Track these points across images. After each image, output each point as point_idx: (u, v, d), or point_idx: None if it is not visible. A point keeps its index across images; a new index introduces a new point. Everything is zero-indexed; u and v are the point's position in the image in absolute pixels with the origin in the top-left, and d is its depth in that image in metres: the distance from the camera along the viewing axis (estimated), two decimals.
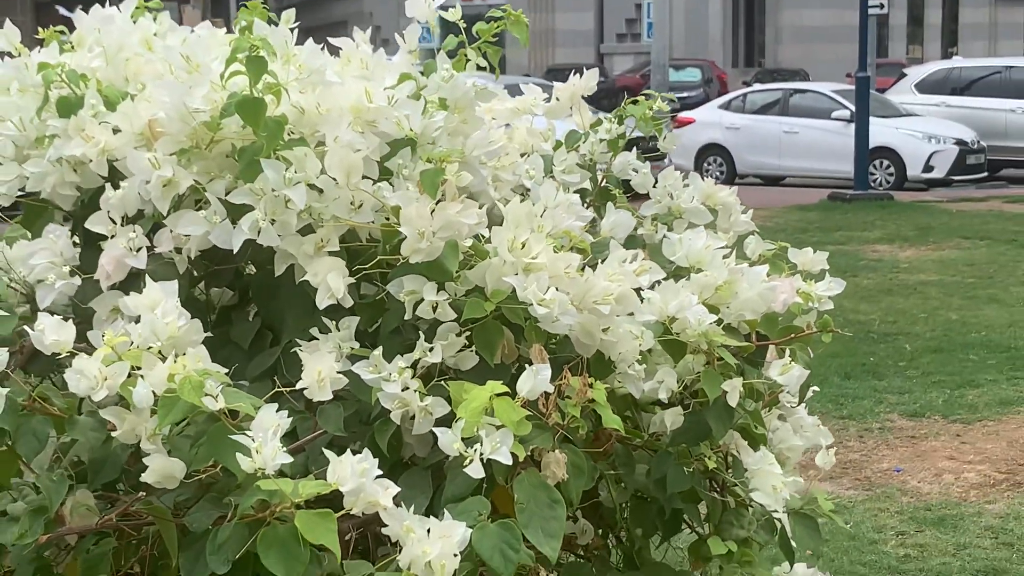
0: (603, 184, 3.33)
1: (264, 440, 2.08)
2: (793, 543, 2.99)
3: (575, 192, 3.25)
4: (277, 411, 2.24)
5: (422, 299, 2.43)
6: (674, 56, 44.22)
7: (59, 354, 2.28)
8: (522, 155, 3.22)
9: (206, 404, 2.10)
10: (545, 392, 2.44)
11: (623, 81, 42.61)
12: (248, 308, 2.71)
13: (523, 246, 2.43)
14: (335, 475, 2.10)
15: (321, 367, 2.31)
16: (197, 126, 2.50)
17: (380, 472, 2.18)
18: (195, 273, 2.66)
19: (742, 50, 48.99)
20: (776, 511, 2.78)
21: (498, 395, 2.29)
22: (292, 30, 2.65)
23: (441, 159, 2.41)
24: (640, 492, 2.91)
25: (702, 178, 3.34)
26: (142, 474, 2.25)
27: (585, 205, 3.35)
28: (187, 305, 2.59)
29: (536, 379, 2.32)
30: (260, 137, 2.43)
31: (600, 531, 3.07)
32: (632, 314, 2.67)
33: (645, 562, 3.00)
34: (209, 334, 2.45)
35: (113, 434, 2.25)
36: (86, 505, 2.40)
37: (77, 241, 2.61)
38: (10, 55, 2.82)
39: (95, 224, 2.52)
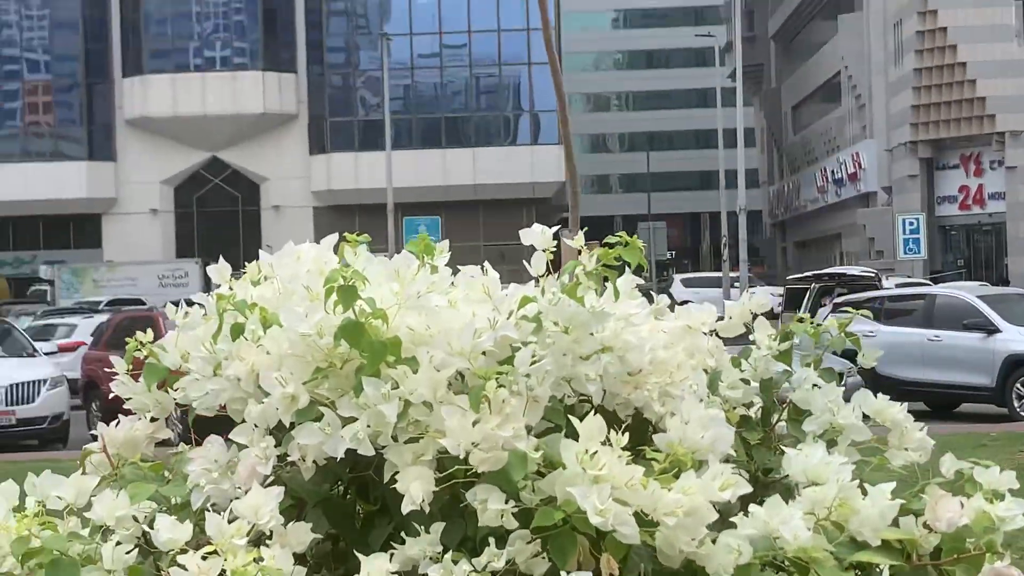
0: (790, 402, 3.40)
1: None
2: None
3: (745, 406, 3.35)
4: None
5: None
6: None
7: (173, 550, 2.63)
8: (706, 371, 3.37)
9: None
10: None
11: None
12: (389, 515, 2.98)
13: (592, 458, 2.59)
14: None
15: (371, 569, 2.55)
16: (328, 348, 2.84)
17: None
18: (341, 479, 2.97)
19: None
20: None
21: None
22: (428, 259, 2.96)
23: (486, 375, 2.63)
24: None
25: None
26: None
27: (776, 421, 3.44)
28: (332, 507, 2.91)
29: None
30: (362, 357, 2.74)
31: None
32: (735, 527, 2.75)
33: None
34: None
35: None
36: None
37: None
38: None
39: (238, 435, 2.89)
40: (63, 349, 26.22)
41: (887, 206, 52.20)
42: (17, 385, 18.89)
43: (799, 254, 70.10)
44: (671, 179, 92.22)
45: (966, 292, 22.04)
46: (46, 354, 22.11)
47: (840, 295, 26.18)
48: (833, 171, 61.09)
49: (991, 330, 19.92)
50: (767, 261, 77.43)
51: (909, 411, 3.40)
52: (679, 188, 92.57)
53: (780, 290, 34.40)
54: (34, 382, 19.09)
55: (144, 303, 37.65)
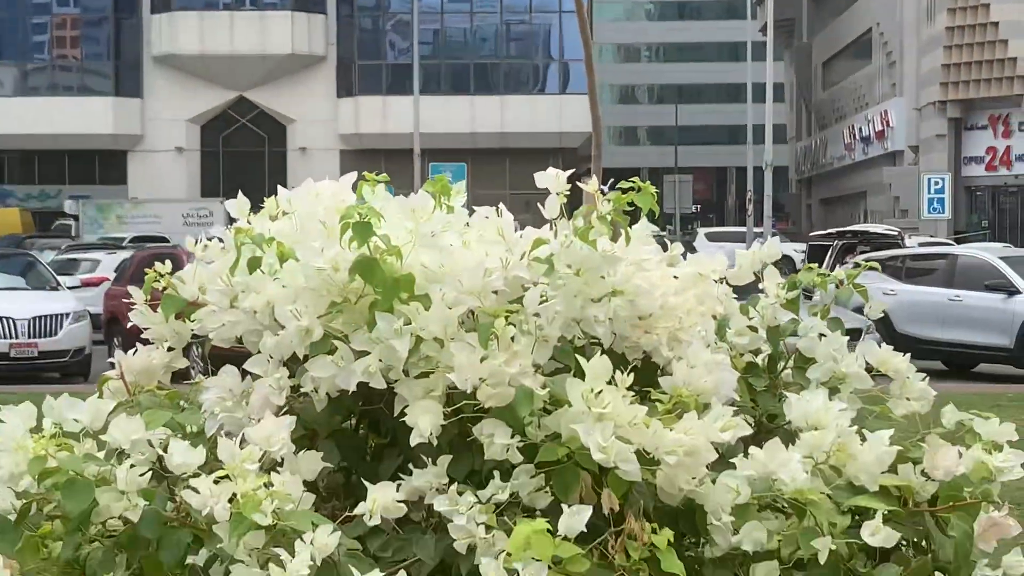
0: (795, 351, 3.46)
1: (299, 553, 2.41)
2: None
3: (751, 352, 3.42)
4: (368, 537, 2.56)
5: None
6: None
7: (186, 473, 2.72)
8: (714, 318, 3.43)
9: (257, 520, 2.46)
10: (615, 534, 2.64)
11: None
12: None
13: (597, 397, 2.65)
14: None
15: (378, 496, 2.63)
16: (342, 283, 2.90)
17: None
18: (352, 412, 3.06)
19: None
20: None
21: (541, 532, 2.51)
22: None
23: (494, 314, 2.69)
24: None
25: None
26: None
27: (782, 368, 3.49)
28: (343, 438, 3.00)
29: (573, 519, 2.53)
30: (376, 293, 2.80)
31: None
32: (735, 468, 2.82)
33: None
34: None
35: (219, 545, 2.65)
36: None
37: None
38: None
39: (252, 366, 2.96)
40: (86, 284, 26.37)
41: (913, 165, 52.01)
42: (40, 318, 19.08)
43: (824, 211, 70.02)
44: (699, 133, 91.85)
45: (988, 253, 22.02)
46: (69, 288, 22.25)
47: (862, 253, 26.15)
48: (861, 129, 60.94)
49: (1012, 291, 19.92)
50: (792, 217, 77.29)
51: (927, 370, 3.45)
52: (706, 142, 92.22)
53: (803, 246, 34.39)
54: (57, 315, 19.27)
55: (168, 241, 37.74)
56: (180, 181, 58.24)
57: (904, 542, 3.10)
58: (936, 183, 41.99)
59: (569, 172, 3.06)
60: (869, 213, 58.09)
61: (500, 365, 2.64)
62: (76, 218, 52.14)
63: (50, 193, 59.44)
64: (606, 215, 2.98)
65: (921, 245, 29.21)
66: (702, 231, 55.89)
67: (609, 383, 2.70)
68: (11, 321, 18.87)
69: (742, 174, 58.79)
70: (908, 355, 3.37)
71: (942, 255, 22.69)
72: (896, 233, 31.16)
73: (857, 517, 2.95)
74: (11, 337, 18.86)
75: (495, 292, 2.91)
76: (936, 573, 3.06)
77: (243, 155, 59.18)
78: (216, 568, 2.82)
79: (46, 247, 36.01)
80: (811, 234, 37.22)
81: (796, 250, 34.49)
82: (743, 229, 50.69)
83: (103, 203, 53.36)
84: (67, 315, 19.38)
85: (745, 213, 49.95)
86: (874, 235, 30.52)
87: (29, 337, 18.91)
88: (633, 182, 3.04)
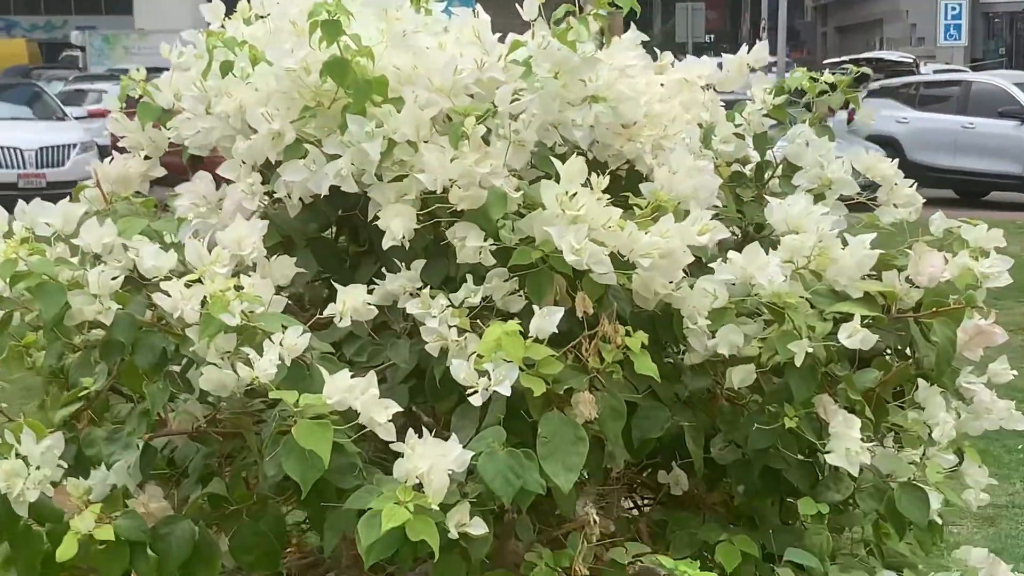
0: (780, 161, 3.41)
1: (267, 352, 2.40)
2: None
3: (736, 161, 3.36)
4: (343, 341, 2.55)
5: None
6: None
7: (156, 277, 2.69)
8: (700, 125, 3.37)
9: (225, 320, 2.43)
10: (588, 337, 2.62)
11: None
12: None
13: (571, 199, 2.61)
14: (327, 391, 2.39)
15: (347, 297, 2.60)
16: (315, 85, 2.84)
17: (394, 404, 2.47)
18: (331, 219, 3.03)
19: None
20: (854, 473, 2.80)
21: (512, 334, 2.49)
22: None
23: (465, 112, 2.64)
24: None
25: None
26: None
27: (769, 177, 3.44)
28: (320, 246, 2.97)
29: (544, 320, 2.51)
30: (348, 95, 2.74)
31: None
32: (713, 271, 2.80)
33: (765, 521, 3.07)
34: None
35: (191, 348, 2.63)
36: (188, 412, 2.80)
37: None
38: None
39: (225, 171, 2.92)
40: (93, 115, 26.19)
41: None
42: (48, 148, 19.04)
43: (840, 39, 69.07)
44: None
45: (1003, 79, 21.74)
46: (76, 119, 22.13)
47: (876, 80, 25.85)
48: None
49: None
50: (807, 46, 76.17)
51: (938, 199, 3.39)
52: None
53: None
54: (64, 146, 19.22)
55: None
56: (185, 12, 57.39)
57: (888, 349, 3.08)
58: (953, 9, 41.30)
59: None
60: (885, 41, 57.24)
61: (471, 165, 2.59)
62: (83, 49, 51.61)
63: (56, 24, 58.84)
64: (586, 15, 2.90)
65: (936, 73, 28.85)
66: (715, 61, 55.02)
67: (585, 186, 2.65)
68: (19, 151, 18.83)
69: (756, 1, 57.81)
70: (917, 184, 3.31)
71: (955, 82, 22.41)
72: (911, 60, 30.79)
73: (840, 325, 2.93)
74: (19, 167, 18.84)
75: (471, 96, 2.85)
76: (920, 380, 3.04)
77: None
78: (193, 373, 2.82)
79: (53, 78, 35.70)
80: (825, 62, 36.72)
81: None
82: None
83: (110, 34, 52.70)
84: (74, 145, 19.33)
85: (759, 42, 49.25)
86: (889, 62, 30.14)
87: (37, 167, 18.89)
88: None
